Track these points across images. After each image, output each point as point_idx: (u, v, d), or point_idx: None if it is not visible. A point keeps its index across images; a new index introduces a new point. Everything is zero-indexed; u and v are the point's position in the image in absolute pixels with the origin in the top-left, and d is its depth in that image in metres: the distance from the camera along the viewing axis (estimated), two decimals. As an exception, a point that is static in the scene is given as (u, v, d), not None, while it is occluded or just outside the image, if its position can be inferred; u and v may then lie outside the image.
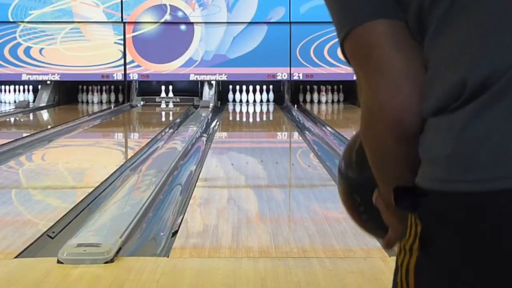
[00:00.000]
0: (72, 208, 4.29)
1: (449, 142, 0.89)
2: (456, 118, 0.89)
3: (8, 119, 10.35)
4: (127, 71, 12.46)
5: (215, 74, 12.46)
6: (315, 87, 12.60)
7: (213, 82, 12.60)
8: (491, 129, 0.86)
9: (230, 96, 12.80)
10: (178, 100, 12.78)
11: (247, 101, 12.74)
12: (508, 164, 0.84)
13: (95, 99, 12.86)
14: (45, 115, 11.40)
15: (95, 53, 12.41)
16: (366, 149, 1.03)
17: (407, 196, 0.97)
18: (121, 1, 12.35)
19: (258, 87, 12.70)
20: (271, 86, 12.63)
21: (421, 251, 0.97)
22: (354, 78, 1.05)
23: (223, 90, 12.91)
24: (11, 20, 12.37)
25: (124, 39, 12.41)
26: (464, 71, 0.88)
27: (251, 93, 12.73)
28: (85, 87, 12.92)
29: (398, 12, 0.96)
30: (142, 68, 12.47)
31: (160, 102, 12.81)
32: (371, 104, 0.97)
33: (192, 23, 12.46)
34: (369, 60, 0.96)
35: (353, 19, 0.97)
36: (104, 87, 12.91)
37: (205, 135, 8.31)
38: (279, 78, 12.37)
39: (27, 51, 12.41)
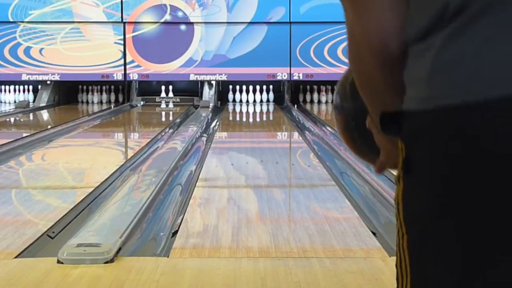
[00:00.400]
0: (72, 208, 4.29)
1: (428, 62, 0.94)
2: (436, 40, 0.93)
3: (8, 119, 10.35)
4: (127, 71, 12.46)
5: (215, 74, 12.46)
6: (315, 87, 12.60)
7: (213, 82, 12.60)
8: (467, 48, 0.90)
9: (230, 96, 12.81)
10: (178, 100, 12.78)
11: (247, 101, 12.74)
12: (483, 80, 0.89)
13: (95, 99, 12.86)
14: (45, 115, 11.40)
15: (95, 53, 12.41)
16: (355, 77, 1.10)
17: (392, 121, 1.02)
18: (121, 1, 12.35)
19: (258, 87, 12.71)
20: (271, 86, 12.64)
21: (405, 175, 1.00)
22: None
23: (223, 90, 12.91)
24: (11, 20, 12.37)
25: (124, 39, 12.41)
26: None
27: (251, 93, 12.73)
28: (85, 87, 12.92)
29: None
30: (142, 68, 12.47)
31: (160, 102, 12.81)
32: (356, 32, 1.04)
33: (192, 23, 12.46)
34: None
35: None
36: (104, 87, 12.92)
37: (205, 135, 8.31)
38: (279, 78, 12.37)
39: (27, 51, 12.41)
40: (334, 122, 1.31)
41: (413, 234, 1.01)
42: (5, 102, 12.72)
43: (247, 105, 12.55)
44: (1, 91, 12.77)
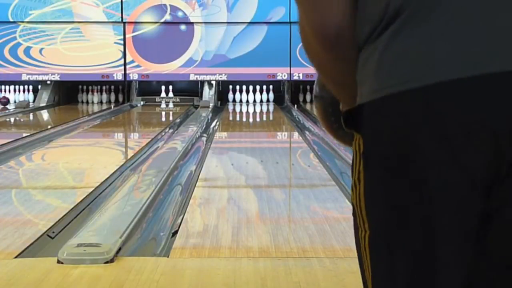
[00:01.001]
0: (72, 208, 4.29)
1: (375, 60, 1.05)
2: (380, 41, 1.05)
3: (8, 119, 10.35)
4: (127, 71, 12.46)
5: (215, 74, 12.46)
6: (315, 87, 12.59)
7: (213, 82, 12.60)
8: (405, 45, 1.03)
9: (230, 96, 12.81)
10: (178, 100, 12.78)
11: (247, 101, 12.74)
12: (419, 70, 1.00)
13: (95, 99, 12.86)
14: (45, 115, 11.40)
15: (95, 53, 12.41)
16: (317, 72, 1.21)
17: (350, 117, 1.12)
18: (121, 1, 12.35)
19: (258, 87, 12.71)
20: (271, 86, 12.64)
21: (365, 171, 1.08)
22: None
23: (223, 90, 12.91)
24: (11, 20, 12.37)
25: (124, 39, 12.41)
26: None
27: (251, 93, 12.73)
28: (85, 87, 12.92)
29: None
30: (142, 68, 12.47)
31: (160, 102, 12.81)
32: (304, 24, 1.12)
33: (192, 23, 12.46)
34: None
35: None
36: (104, 87, 12.91)
37: (205, 135, 8.31)
38: (279, 78, 12.37)
39: (27, 51, 12.41)
40: (316, 112, 1.39)
41: (376, 231, 1.08)
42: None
43: (247, 105, 12.55)
44: (0, 91, 12.78)
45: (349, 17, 1.09)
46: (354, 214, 1.14)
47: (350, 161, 1.14)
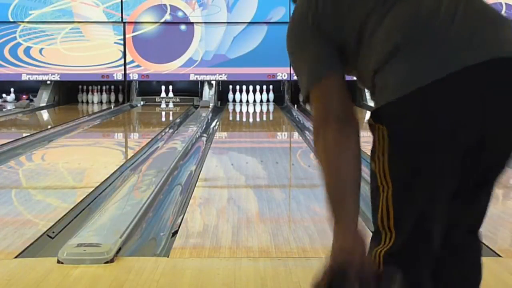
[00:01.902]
0: (72, 208, 4.29)
1: (389, 77, 1.57)
2: (387, 66, 1.58)
3: (8, 119, 10.35)
4: (127, 71, 12.46)
5: (215, 74, 12.46)
6: (315, 87, 12.59)
7: (213, 82, 12.60)
8: (400, 72, 1.55)
9: (230, 96, 12.81)
10: (178, 100, 12.78)
11: (247, 101, 12.74)
12: (412, 80, 1.53)
13: (95, 99, 12.86)
14: (45, 115, 11.40)
15: (95, 53, 12.41)
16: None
17: (375, 114, 1.59)
18: (121, 1, 12.35)
19: (258, 87, 12.71)
20: (271, 86, 12.64)
21: (390, 147, 1.57)
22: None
23: (223, 90, 12.91)
24: (11, 20, 12.37)
25: (124, 39, 12.41)
26: (392, 42, 1.58)
27: (251, 93, 12.74)
28: (85, 87, 12.92)
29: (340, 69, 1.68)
30: (142, 68, 12.47)
31: (160, 102, 12.81)
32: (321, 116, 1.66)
33: (192, 23, 12.46)
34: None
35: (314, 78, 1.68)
36: (104, 87, 12.91)
37: (205, 135, 8.31)
38: (279, 78, 12.37)
39: (27, 51, 12.41)
40: None
41: (398, 186, 1.58)
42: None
43: (247, 105, 12.55)
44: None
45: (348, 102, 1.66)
46: (374, 179, 1.61)
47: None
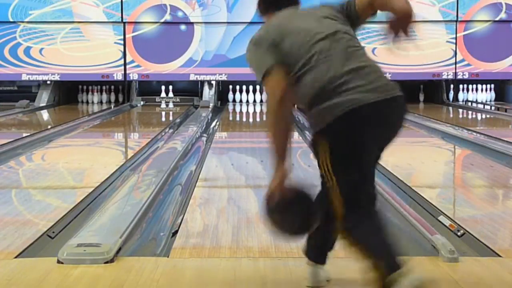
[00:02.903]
0: (72, 208, 4.29)
1: (329, 110, 2.53)
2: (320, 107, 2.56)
3: (8, 119, 10.35)
4: (127, 71, 12.46)
5: (215, 74, 12.47)
6: (315, 87, 12.59)
7: (213, 82, 12.60)
8: (333, 101, 2.51)
9: (230, 96, 12.82)
10: (178, 100, 12.79)
11: (247, 101, 12.75)
12: (341, 107, 2.48)
13: (95, 99, 12.87)
14: (45, 115, 11.40)
15: (95, 53, 12.42)
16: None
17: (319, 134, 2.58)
18: (121, 1, 12.35)
19: (258, 87, 12.72)
20: (271, 86, 12.61)
21: (331, 152, 2.55)
22: None
23: (223, 90, 12.92)
24: (11, 20, 12.37)
25: (124, 39, 12.42)
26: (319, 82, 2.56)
27: (251, 93, 12.74)
28: (85, 87, 12.92)
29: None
30: (142, 68, 12.48)
31: (160, 102, 12.82)
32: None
33: (192, 23, 12.46)
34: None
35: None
36: (104, 87, 12.92)
37: (205, 135, 8.32)
38: (279, 78, 12.36)
39: (27, 51, 12.41)
40: None
41: (336, 170, 2.56)
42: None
43: (247, 105, 12.55)
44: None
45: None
46: (322, 177, 2.64)
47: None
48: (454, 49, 12.63)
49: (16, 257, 3.26)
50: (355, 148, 2.51)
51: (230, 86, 12.83)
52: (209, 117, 10.41)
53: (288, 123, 2.69)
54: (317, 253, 2.82)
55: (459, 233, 3.68)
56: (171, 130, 8.65)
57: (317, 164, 2.62)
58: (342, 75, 2.49)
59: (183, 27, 12.49)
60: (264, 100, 12.85)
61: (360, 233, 2.56)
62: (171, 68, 12.47)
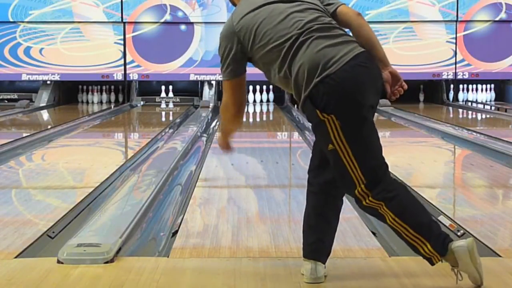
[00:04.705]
0: (72, 208, 4.29)
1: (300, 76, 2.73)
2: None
3: (8, 119, 10.35)
4: (127, 71, 12.46)
5: (215, 74, 12.47)
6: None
7: (213, 82, 12.61)
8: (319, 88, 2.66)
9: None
10: (178, 100, 12.79)
11: (247, 101, 12.75)
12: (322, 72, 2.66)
13: (95, 99, 12.87)
14: (45, 115, 11.40)
15: (95, 53, 12.41)
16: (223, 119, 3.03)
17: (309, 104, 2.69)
18: (121, 1, 12.35)
19: (258, 87, 12.72)
20: (271, 86, 12.64)
21: (339, 121, 2.66)
22: None
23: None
24: (11, 20, 12.37)
25: (124, 39, 12.42)
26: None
27: (251, 93, 12.74)
28: (85, 87, 12.92)
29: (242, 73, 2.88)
30: (142, 68, 12.48)
31: (160, 102, 12.82)
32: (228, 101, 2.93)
33: (192, 23, 12.46)
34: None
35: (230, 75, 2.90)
36: (104, 87, 12.92)
37: (205, 135, 8.32)
38: (279, 78, 12.36)
39: (27, 51, 12.41)
40: None
41: (349, 138, 2.65)
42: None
43: (247, 105, 12.55)
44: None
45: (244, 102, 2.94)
46: (334, 150, 2.67)
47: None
48: (454, 49, 12.62)
49: (16, 257, 3.26)
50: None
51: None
52: (209, 117, 10.41)
53: (240, 121, 3.02)
54: (316, 250, 2.82)
55: (459, 233, 3.68)
56: (171, 130, 8.65)
57: (323, 143, 2.71)
58: None
59: (183, 27, 12.49)
60: (264, 100, 12.86)
61: (401, 203, 2.64)
62: (171, 68, 12.47)
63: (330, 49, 2.64)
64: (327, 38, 2.67)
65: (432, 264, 2.70)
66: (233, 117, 2.93)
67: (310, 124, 2.74)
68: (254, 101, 12.74)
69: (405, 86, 2.76)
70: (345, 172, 2.66)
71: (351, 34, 2.79)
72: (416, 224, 2.65)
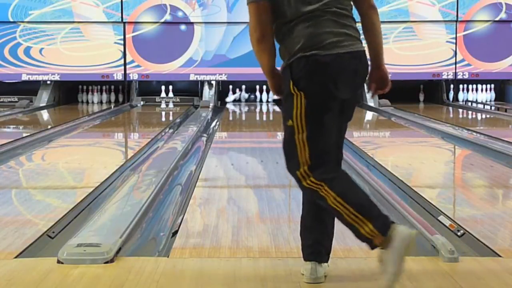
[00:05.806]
0: (72, 208, 4.29)
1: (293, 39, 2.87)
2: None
3: (8, 119, 10.35)
4: (127, 71, 12.46)
5: (215, 74, 12.47)
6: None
7: (213, 82, 12.60)
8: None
9: (230, 96, 12.83)
10: (178, 100, 12.79)
11: (247, 101, 12.76)
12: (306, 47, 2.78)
13: (95, 99, 12.86)
14: (45, 115, 11.40)
15: (95, 53, 12.42)
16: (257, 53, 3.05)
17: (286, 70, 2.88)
18: (121, 1, 12.35)
19: (258, 87, 12.72)
20: (271, 86, 12.62)
21: (305, 98, 2.73)
22: None
23: (223, 90, 12.92)
24: (11, 20, 12.37)
25: (124, 39, 12.42)
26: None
27: (251, 93, 12.74)
28: (85, 87, 12.92)
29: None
30: (142, 68, 12.48)
31: (160, 102, 12.82)
32: (252, 32, 2.91)
33: (192, 23, 12.46)
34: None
35: None
36: (104, 87, 12.92)
37: (205, 135, 8.31)
38: (279, 78, 12.36)
39: (27, 51, 12.41)
40: None
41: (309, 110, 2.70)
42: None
43: (247, 105, 12.55)
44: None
45: (270, 29, 2.88)
46: (291, 127, 2.72)
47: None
48: (454, 49, 12.62)
49: (16, 257, 3.27)
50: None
51: (230, 86, 12.83)
52: (209, 117, 10.41)
53: (269, 51, 2.97)
54: (315, 252, 2.82)
55: (459, 233, 3.68)
56: (171, 130, 8.65)
57: (285, 117, 2.77)
58: None
59: (183, 27, 12.49)
60: (264, 100, 12.86)
61: (342, 184, 2.69)
62: (171, 68, 12.47)
63: (331, 34, 2.70)
64: (336, 24, 2.72)
65: (372, 247, 2.67)
66: (257, 42, 2.89)
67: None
68: (255, 101, 12.74)
69: (387, 90, 2.86)
70: (294, 152, 2.70)
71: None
72: (358, 204, 2.65)
